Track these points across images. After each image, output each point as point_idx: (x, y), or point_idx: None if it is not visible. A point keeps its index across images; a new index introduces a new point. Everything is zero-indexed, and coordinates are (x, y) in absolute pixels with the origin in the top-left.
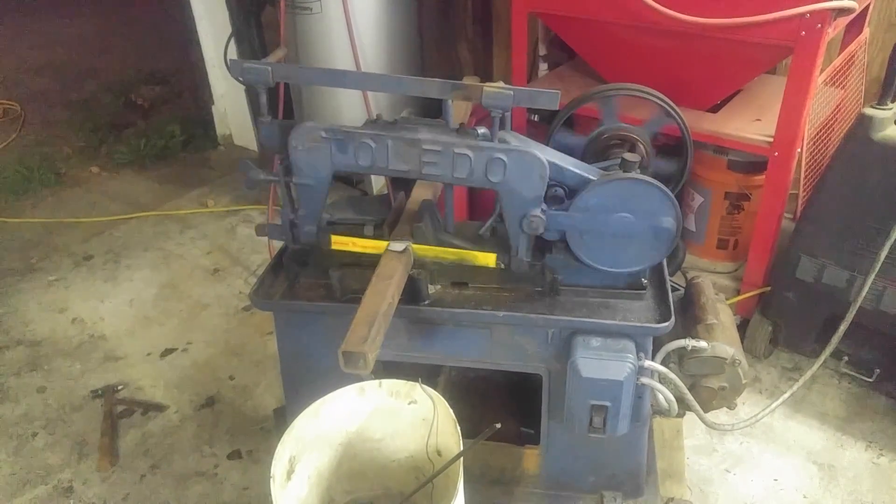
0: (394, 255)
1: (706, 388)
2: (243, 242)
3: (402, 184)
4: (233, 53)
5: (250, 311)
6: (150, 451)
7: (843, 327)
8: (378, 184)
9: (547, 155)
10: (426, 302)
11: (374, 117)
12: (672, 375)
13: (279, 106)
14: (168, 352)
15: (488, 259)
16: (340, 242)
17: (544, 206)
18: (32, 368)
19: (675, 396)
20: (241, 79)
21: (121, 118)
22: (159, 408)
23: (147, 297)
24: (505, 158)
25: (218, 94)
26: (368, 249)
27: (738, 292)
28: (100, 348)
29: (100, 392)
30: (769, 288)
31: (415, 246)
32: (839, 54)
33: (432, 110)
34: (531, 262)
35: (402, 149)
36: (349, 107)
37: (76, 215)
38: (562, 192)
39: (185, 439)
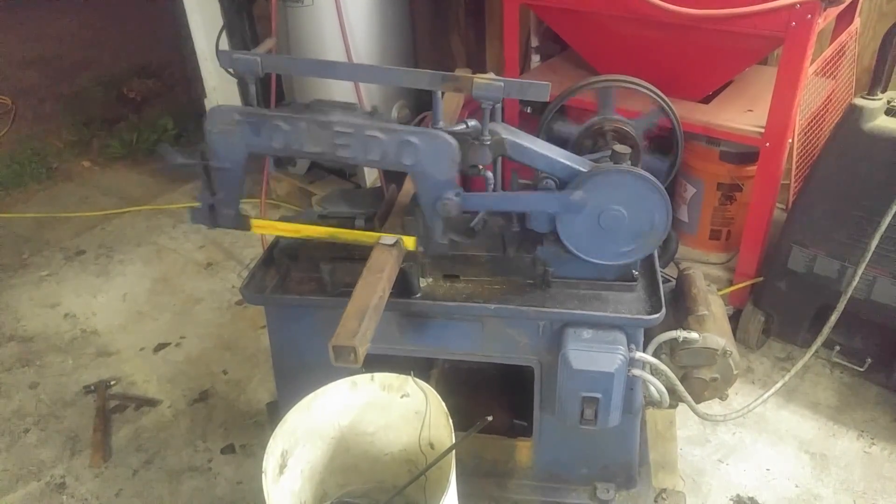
0: (384, 249)
1: (698, 380)
2: (236, 237)
3: (394, 177)
4: (224, 46)
5: (243, 306)
6: (143, 446)
7: (834, 317)
8: (371, 177)
9: (537, 146)
10: (417, 295)
11: (288, 101)
12: (663, 367)
13: (271, 98)
14: (161, 346)
15: (409, 243)
16: (261, 226)
17: (459, 190)
18: (24, 364)
19: (666, 388)
20: (230, 69)
21: (113, 112)
22: (152, 403)
23: (140, 291)
24: (416, 141)
25: (210, 87)
26: (289, 233)
27: (731, 283)
28: (92, 343)
29: (92, 387)
30: (761, 278)
31: (310, 227)
32: (830, 45)
33: (425, 103)
34: (523, 255)
35: (315, 131)
36: (341, 98)
37: (68, 210)
38: (553, 185)
39: (179, 434)
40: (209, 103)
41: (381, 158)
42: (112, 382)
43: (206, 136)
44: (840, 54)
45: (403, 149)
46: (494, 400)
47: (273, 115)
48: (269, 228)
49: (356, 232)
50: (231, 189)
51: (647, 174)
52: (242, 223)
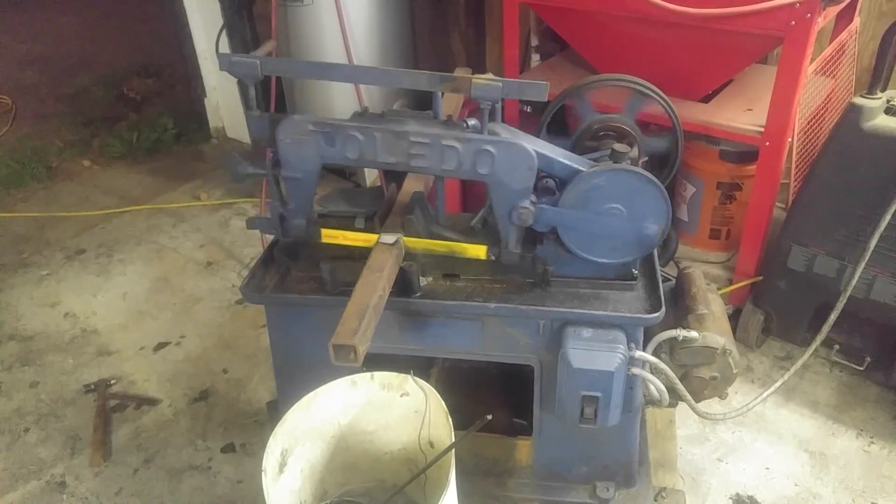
0: (385, 248)
1: (697, 378)
2: (236, 236)
3: (394, 175)
4: (224, 46)
5: (243, 305)
6: (144, 445)
7: (833, 316)
8: (371, 176)
9: (537, 146)
10: (417, 294)
11: (362, 109)
12: (663, 366)
13: (271, 99)
14: (161, 345)
15: (479, 251)
16: (331, 236)
17: (534, 199)
18: (24, 363)
19: (666, 387)
20: (229, 72)
21: (113, 111)
22: (152, 402)
23: (140, 290)
24: (493, 150)
25: (210, 86)
26: (359, 242)
27: (731, 282)
28: (92, 342)
29: (92, 386)
30: (761, 277)
31: (406, 238)
32: (829, 44)
33: (424, 102)
34: (522, 254)
35: (390, 141)
36: (341, 100)
37: (68, 209)
38: (552, 184)
39: (179, 433)
40: (209, 102)
41: (456, 168)
42: (112, 381)
43: (277, 145)
44: (840, 53)
45: (480, 158)
46: (494, 399)
47: (348, 126)
48: (339, 238)
49: (440, 242)
50: (303, 199)
51: (647, 173)
52: (313, 233)
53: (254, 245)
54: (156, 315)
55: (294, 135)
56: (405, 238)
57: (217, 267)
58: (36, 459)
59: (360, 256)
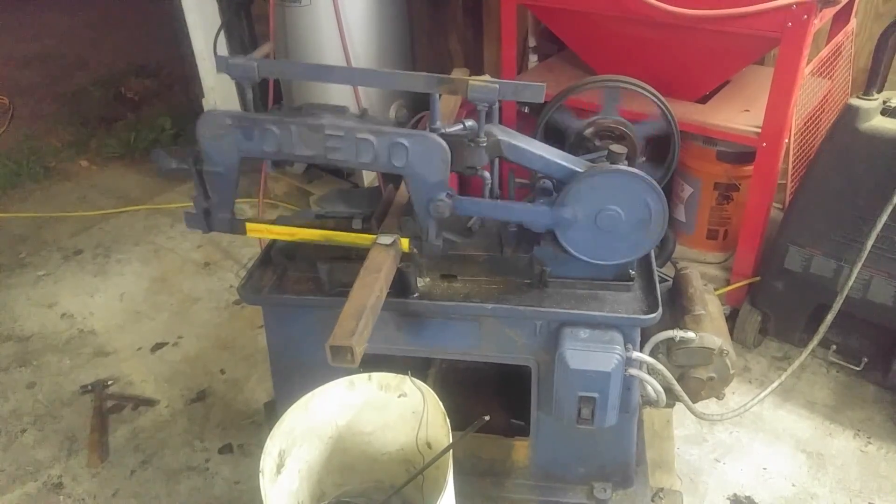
0: (382, 249)
1: (694, 379)
2: (234, 236)
3: (392, 177)
4: (222, 46)
5: (241, 305)
6: (141, 446)
7: (830, 316)
8: (369, 176)
9: (533, 147)
10: (415, 295)
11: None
12: (660, 366)
13: (269, 101)
14: (159, 346)
15: (402, 244)
16: (256, 230)
17: (451, 191)
18: (22, 364)
19: (663, 387)
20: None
21: (110, 111)
22: (150, 402)
23: (137, 291)
24: (406, 143)
25: (208, 86)
26: (283, 236)
27: (728, 282)
28: (90, 343)
29: (90, 387)
30: (758, 278)
31: (305, 231)
32: (826, 45)
33: (423, 104)
34: (520, 254)
35: (306, 134)
36: (339, 101)
37: (65, 209)
38: (550, 185)
39: (176, 434)
40: (207, 103)
41: (372, 161)
42: (109, 382)
43: (198, 140)
44: (836, 54)
45: (394, 151)
46: (492, 399)
47: (264, 119)
48: (265, 232)
49: (351, 234)
50: (225, 193)
51: (643, 174)
52: (237, 227)
53: (251, 245)
54: (153, 315)
55: (214, 129)
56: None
57: (215, 267)
58: (33, 460)
59: (357, 257)
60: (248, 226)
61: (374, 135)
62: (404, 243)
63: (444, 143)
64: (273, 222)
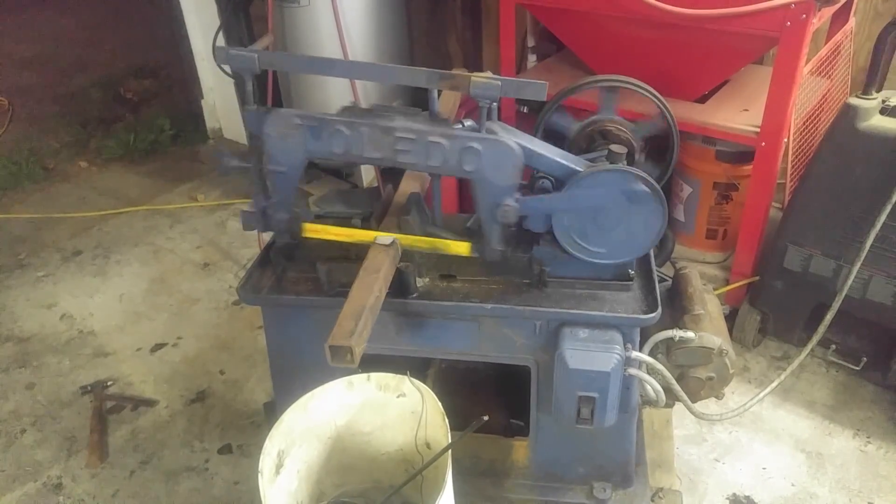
0: (381, 249)
1: (694, 379)
2: (233, 237)
3: (392, 176)
4: None
5: (240, 306)
6: (140, 446)
7: (829, 316)
8: (368, 176)
9: (534, 146)
10: (414, 295)
11: (351, 104)
12: (659, 366)
13: (268, 95)
14: (158, 347)
15: (462, 248)
16: (313, 230)
17: (518, 195)
18: (21, 365)
19: (662, 387)
20: (226, 67)
21: (110, 112)
22: (149, 403)
23: (137, 292)
24: (479, 147)
25: (207, 87)
26: (342, 237)
27: (727, 282)
28: (89, 344)
29: (89, 388)
30: (757, 277)
31: (391, 234)
32: (825, 44)
33: (422, 102)
34: (519, 254)
35: (377, 136)
36: (338, 97)
37: (65, 210)
38: (549, 184)
39: (176, 434)
40: (206, 104)
41: (441, 164)
42: (109, 383)
43: (264, 139)
44: (835, 54)
45: (465, 155)
46: (491, 399)
47: (335, 120)
48: (322, 233)
49: (411, 237)
50: (286, 193)
51: (643, 173)
52: (296, 228)
53: (251, 246)
54: (153, 316)
55: (281, 128)
56: (392, 234)
57: (214, 268)
58: (32, 461)
59: (356, 257)
60: (306, 226)
61: (446, 138)
62: (463, 248)
63: (518, 148)
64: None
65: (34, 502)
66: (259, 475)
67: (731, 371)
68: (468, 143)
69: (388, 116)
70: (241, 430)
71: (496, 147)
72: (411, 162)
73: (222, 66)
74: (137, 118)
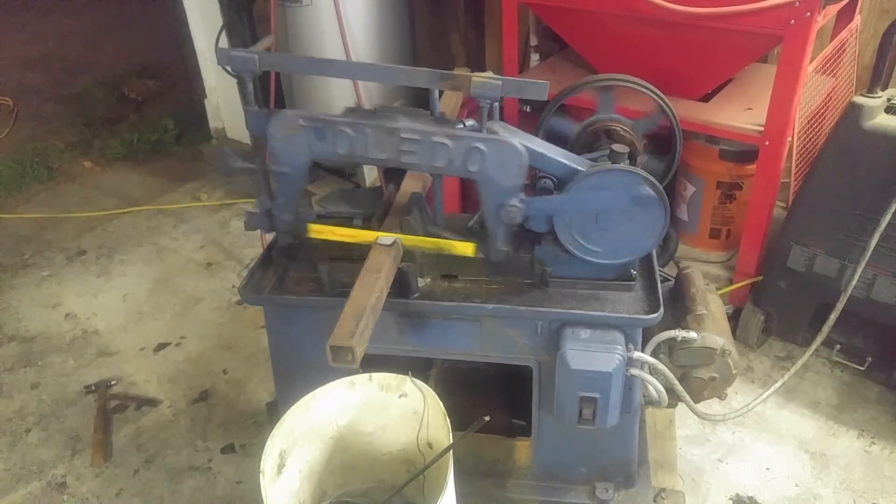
0: (382, 249)
1: (696, 379)
2: (236, 236)
3: (394, 176)
4: (224, 46)
5: (243, 306)
6: (144, 445)
7: (834, 316)
8: (371, 176)
9: (535, 145)
10: (415, 295)
11: (355, 105)
12: (662, 367)
13: (270, 96)
14: (161, 346)
15: (466, 248)
16: (318, 231)
17: (523, 196)
18: (26, 364)
19: (665, 387)
20: (228, 67)
21: (113, 112)
22: (153, 402)
23: (140, 291)
24: (483, 148)
25: (210, 87)
26: (346, 238)
27: (731, 282)
28: (93, 343)
29: (93, 387)
30: (761, 277)
31: (393, 234)
32: (830, 42)
33: (424, 102)
34: (521, 254)
35: (381, 137)
36: (340, 98)
37: (69, 210)
38: (550, 184)
39: (179, 434)
40: (209, 103)
41: (446, 165)
42: (113, 382)
43: (268, 140)
44: (840, 52)
45: (470, 155)
46: (493, 400)
47: (339, 121)
48: (327, 233)
49: (416, 238)
50: (291, 194)
51: (645, 173)
52: (301, 229)
53: (254, 246)
54: (156, 316)
55: (285, 129)
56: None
57: (217, 268)
58: (37, 460)
59: (358, 257)
60: (311, 226)
61: (451, 139)
62: (468, 248)
63: (522, 149)
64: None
65: (38, 501)
66: (261, 475)
67: (734, 371)
68: (473, 143)
69: (392, 117)
70: (243, 429)
71: (501, 148)
72: (416, 163)
73: (224, 66)
74: (141, 118)
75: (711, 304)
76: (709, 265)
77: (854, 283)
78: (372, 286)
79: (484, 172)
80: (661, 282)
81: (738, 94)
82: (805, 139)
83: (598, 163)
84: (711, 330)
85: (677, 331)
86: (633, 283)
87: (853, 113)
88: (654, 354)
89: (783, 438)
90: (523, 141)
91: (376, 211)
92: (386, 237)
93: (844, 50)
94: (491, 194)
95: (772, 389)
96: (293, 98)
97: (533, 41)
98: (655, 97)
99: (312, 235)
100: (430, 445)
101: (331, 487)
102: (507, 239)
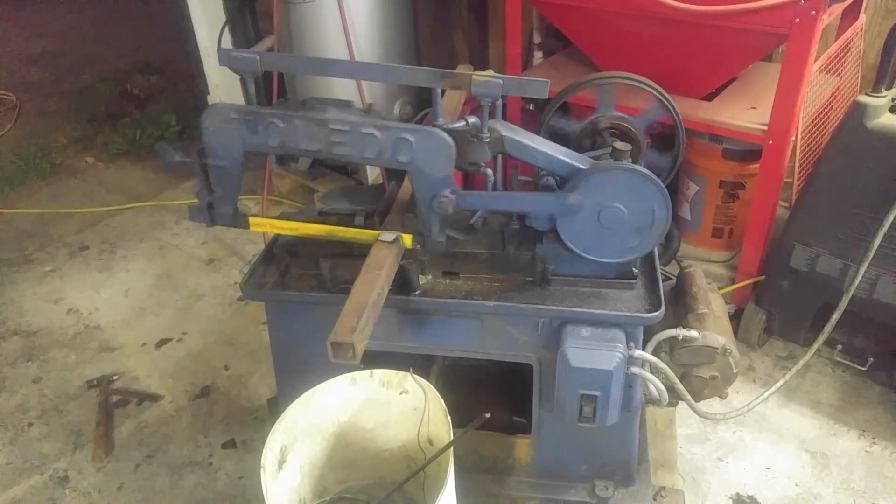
0: (384, 246)
1: (697, 378)
2: (238, 232)
3: (397, 173)
4: (227, 43)
5: (245, 302)
6: (145, 440)
7: (836, 316)
8: (373, 173)
9: (537, 144)
10: (417, 292)
11: (284, 98)
12: (662, 365)
13: (273, 95)
14: (163, 342)
15: (404, 240)
16: (258, 224)
17: (455, 187)
18: (28, 359)
19: (666, 386)
20: (229, 67)
21: (116, 108)
22: (154, 398)
23: (142, 287)
24: (411, 138)
25: (213, 83)
26: (286, 231)
27: (733, 281)
28: (95, 338)
29: (95, 382)
30: (763, 277)
31: (309, 226)
32: (835, 41)
33: (428, 99)
34: (522, 252)
35: (311, 128)
36: (343, 95)
37: (72, 206)
38: (553, 182)
39: (180, 429)
40: (212, 99)
41: (376, 156)
42: (114, 377)
43: (202, 133)
44: (845, 51)
45: (399, 146)
46: (493, 397)
47: (269, 113)
48: (267, 226)
49: (353, 230)
50: (229, 187)
51: (647, 171)
52: (240, 221)
53: (256, 242)
54: (158, 311)
55: (217, 122)
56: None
57: (219, 264)
58: (39, 454)
59: (359, 254)
60: (252, 220)
61: (379, 130)
62: (407, 239)
63: (449, 139)
64: (277, 217)
65: (40, 495)
66: (261, 470)
67: (735, 370)
68: (400, 134)
69: (322, 109)
70: (245, 425)
71: (428, 138)
72: (347, 153)
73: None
74: (144, 114)
75: (713, 303)
76: (711, 264)
77: (857, 283)
78: (373, 283)
79: (414, 163)
80: (663, 280)
81: (742, 93)
82: (809, 138)
83: (600, 160)
84: (713, 329)
85: (678, 329)
86: (634, 281)
87: (857, 112)
88: (655, 353)
89: (784, 438)
90: (525, 139)
91: (378, 208)
92: (388, 234)
93: (849, 49)
94: (423, 185)
95: (773, 389)
96: (295, 97)
97: (536, 39)
98: (659, 95)
99: (254, 229)
100: (430, 442)
101: (331, 483)
102: (443, 229)
